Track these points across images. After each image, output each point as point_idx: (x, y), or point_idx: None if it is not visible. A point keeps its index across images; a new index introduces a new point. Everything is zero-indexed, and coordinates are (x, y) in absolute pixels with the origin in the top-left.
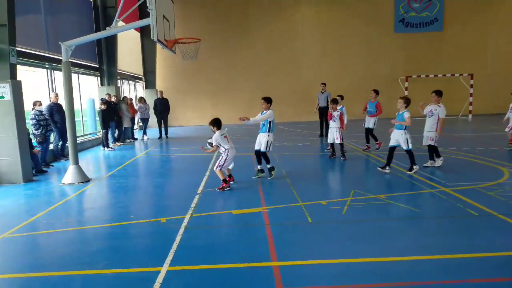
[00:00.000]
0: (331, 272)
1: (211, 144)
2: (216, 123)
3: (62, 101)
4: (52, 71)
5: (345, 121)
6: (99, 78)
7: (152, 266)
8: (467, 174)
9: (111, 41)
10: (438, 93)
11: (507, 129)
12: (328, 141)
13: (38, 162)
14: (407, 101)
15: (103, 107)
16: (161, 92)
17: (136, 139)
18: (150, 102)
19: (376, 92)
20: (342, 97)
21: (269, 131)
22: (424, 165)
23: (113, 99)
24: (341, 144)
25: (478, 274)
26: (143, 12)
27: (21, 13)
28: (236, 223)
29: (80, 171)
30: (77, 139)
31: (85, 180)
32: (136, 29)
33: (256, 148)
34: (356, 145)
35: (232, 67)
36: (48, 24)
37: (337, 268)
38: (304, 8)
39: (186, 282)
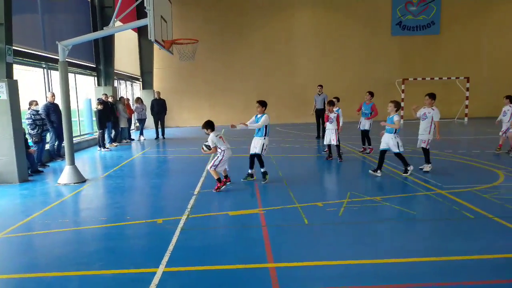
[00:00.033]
0: (328, 274)
1: (208, 146)
2: (209, 125)
3: (58, 100)
4: (49, 70)
5: (341, 123)
6: (96, 78)
7: (148, 267)
8: (463, 177)
9: (108, 41)
10: (432, 96)
11: (500, 133)
12: (325, 143)
13: (34, 162)
14: (397, 105)
15: (99, 107)
16: (158, 93)
17: (133, 139)
18: (147, 103)
19: (371, 94)
20: (338, 99)
21: (265, 135)
22: (420, 167)
23: (110, 99)
24: (338, 146)
25: (474, 276)
26: (140, 12)
27: (18, 12)
28: (232, 224)
29: (76, 171)
30: (74, 139)
31: (81, 180)
32: (133, 29)
33: (251, 152)
34: (353, 147)
35: (230, 68)
36: (45, 23)
37: (333, 270)
38: (301, 10)
39: (182, 283)
